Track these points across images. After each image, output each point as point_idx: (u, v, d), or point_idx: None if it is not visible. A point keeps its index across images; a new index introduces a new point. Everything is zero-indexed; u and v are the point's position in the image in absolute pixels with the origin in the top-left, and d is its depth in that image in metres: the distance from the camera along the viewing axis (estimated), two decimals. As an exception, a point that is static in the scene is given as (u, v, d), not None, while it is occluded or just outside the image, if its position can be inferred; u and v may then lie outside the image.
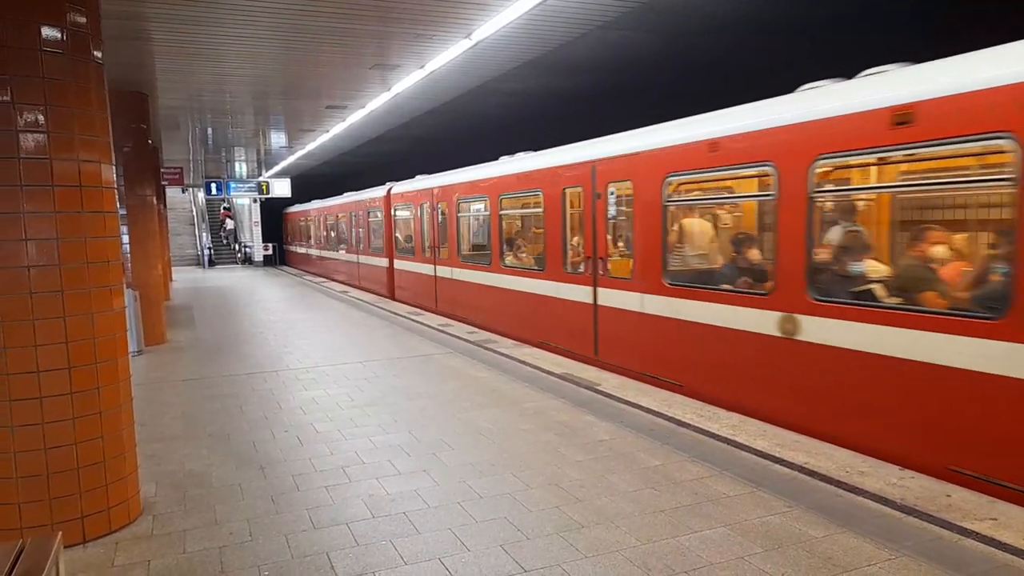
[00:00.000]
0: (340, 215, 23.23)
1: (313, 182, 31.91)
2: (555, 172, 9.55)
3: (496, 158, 11.46)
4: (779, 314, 5.95)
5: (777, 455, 5.04)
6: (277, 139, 18.11)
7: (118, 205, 4.28)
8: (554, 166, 9.61)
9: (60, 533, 3.10)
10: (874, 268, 5.75)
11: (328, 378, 8.02)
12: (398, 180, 17.13)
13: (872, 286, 5.56)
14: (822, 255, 5.81)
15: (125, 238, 10.71)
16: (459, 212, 13.18)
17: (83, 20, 3.90)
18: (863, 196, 6.41)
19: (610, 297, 8.43)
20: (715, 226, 7.99)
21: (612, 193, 8.34)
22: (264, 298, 18.03)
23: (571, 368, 8.17)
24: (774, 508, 4.19)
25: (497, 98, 13.15)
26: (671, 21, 8.59)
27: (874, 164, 5.74)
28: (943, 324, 4.66)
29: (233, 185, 22.79)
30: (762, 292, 6.20)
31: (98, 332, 4.00)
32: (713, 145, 6.65)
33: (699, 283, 7.11)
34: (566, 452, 5.29)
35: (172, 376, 8.48)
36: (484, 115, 15.20)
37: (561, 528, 3.99)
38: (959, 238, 5.78)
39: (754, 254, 6.94)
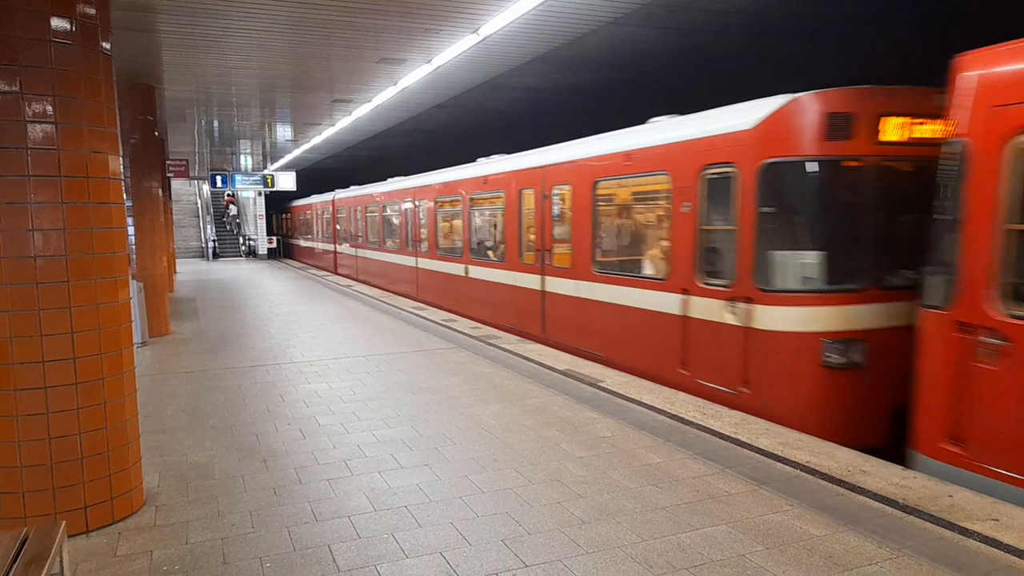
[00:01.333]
0: (308, 212, 30.44)
1: (318, 176, 31.92)
2: (402, 191, 16.77)
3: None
4: (463, 265, 12.98)
5: (779, 454, 5.04)
6: (283, 132, 18.12)
7: (124, 196, 4.29)
8: (403, 188, 16.74)
9: (64, 522, 3.12)
10: (491, 244, 12.37)
11: (331, 371, 8.04)
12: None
13: (488, 251, 12.31)
14: (475, 237, 12.82)
15: (131, 229, 10.74)
16: (367, 213, 20.38)
17: (92, 11, 3.90)
18: (484, 211, 12.76)
19: (422, 263, 15.53)
20: (461, 223, 13.66)
21: (423, 204, 15.34)
22: (267, 291, 18.07)
23: (574, 365, 8.18)
24: (776, 506, 4.20)
25: (506, 93, 13.13)
26: (680, 17, 8.56)
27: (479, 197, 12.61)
28: (498, 265, 11.47)
29: (238, 178, 22.81)
30: (460, 255, 13.17)
31: (103, 323, 4.02)
32: (419, 191, 15.58)
33: (445, 252, 14.08)
34: (568, 448, 5.30)
35: (176, 367, 8.51)
36: (493, 110, 15.18)
37: (562, 524, 4.00)
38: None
39: (459, 237, 13.46)
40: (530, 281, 10.30)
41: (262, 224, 34.79)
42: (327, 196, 25.82)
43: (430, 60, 9.58)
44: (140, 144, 11.08)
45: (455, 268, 13.34)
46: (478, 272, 12.28)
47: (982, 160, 4.47)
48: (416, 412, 6.32)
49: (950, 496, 4.25)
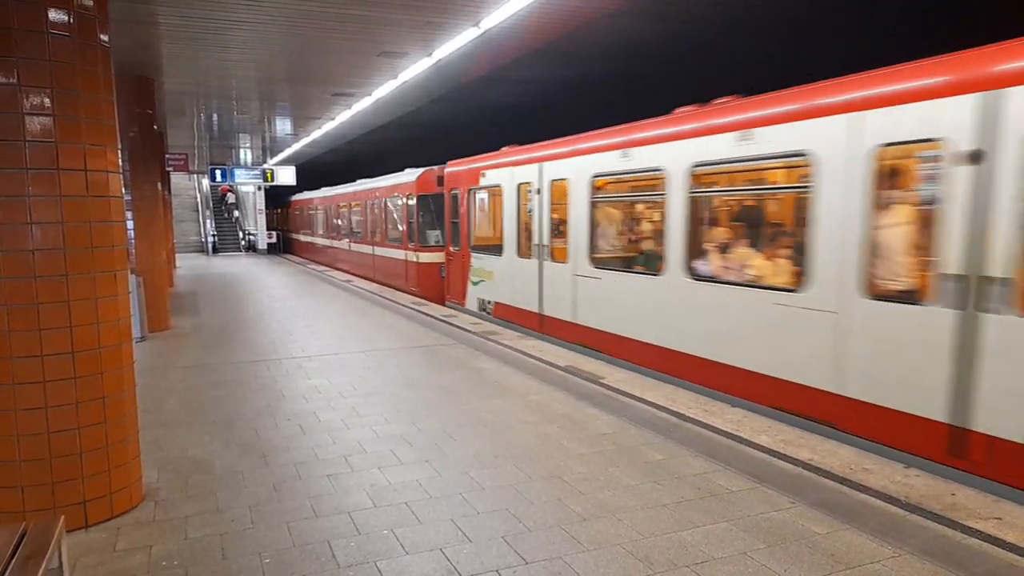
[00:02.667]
0: (280, 210, 39.23)
1: (318, 170, 31.86)
2: (324, 198, 26.74)
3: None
4: (348, 243, 22.87)
5: (781, 451, 5.03)
6: (282, 126, 18.06)
7: (123, 190, 4.26)
8: (325, 195, 26.55)
9: (63, 517, 3.10)
10: (359, 231, 21.74)
11: (331, 367, 8.02)
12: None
13: (358, 235, 21.78)
14: (353, 227, 22.56)
15: (130, 224, 10.70)
16: (308, 211, 30.39)
17: (90, 3, 3.86)
18: (355, 212, 22.36)
19: (333, 243, 25.51)
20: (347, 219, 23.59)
21: (333, 207, 25.28)
22: (267, 285, 18.04)
23: (574, 361, 8.16)
24: (777, 504, 4.18)
25: (506, 86, 13.11)
26: (677, 9, 8.51)
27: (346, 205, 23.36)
28: (360, 242, 21.45)
29: (238, 172, 22.73)
30: (347, 238, 23.13)
31: (102, 317, 3.99)
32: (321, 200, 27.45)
33: (343, 235, 23.75)
34: (569, 445, 5.28)
35: (176, 363, 8.49)
36: (494, 103, 15.16)
37: (563, 521, 3.99)
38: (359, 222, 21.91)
39: (348, 227, 23.14)
40: (369, 250, 20.29)
41: (262, 219, 34.74)
42: (292, 197, 35.10)
43: (431, 53, 9.53)
44: (139, 137, 11.05)
45: (345, 245, 23.33)
46: (355, 247, 22.03)
47: (448, 198, 13.46)
48: (416, 408, 6.30)
49: (952, 494, 4.24)
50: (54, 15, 3.69)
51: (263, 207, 34.58)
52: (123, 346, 4.18)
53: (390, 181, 17.75)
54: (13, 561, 2.67)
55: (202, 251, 34.01)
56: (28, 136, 3.67)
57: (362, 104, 13.89)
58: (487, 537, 3.80)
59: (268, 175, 22.62)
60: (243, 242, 36.17)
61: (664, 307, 7.44)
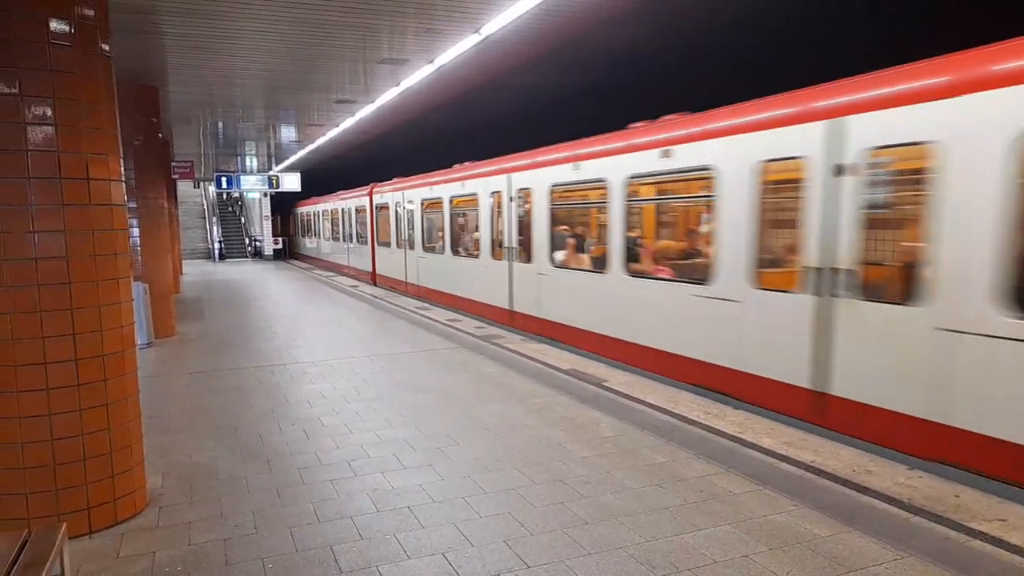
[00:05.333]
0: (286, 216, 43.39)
1: (322, 176, 31.99)
2: (312, 207, 32.70)
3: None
4: (329, 241, 29.63)
5: (784, 453, 5.01)
6: (287, 133, 18.13)
7: (126, 198, 4.29)
8: (313, 206, 32.83)
9: (64, 524, 3.11)
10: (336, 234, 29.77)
11: (335, 372, 8.04)
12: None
13: (326, 236, 31.47)
14: (333, 231, 29.34)
15: (135, 231, 10.75)
16: (304, 218, 36.01)
17: (91, 12, 3.90)
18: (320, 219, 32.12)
19: (313, 243, 34.18)
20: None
21: (319, 213, 31.60)
22: (272, 291, 18.10)
23: (577, 364, 8.16)
24: (780, 506, 4.17)
25: (508, 92, 13.10)
26: (681, 16, 8.52)
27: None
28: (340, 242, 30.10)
29: (244, 178, 22.84)
30: (329, 239, 30.13)
31: (105, 324, 4.02)
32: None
33: (323, 237, 31.66)
34: (571, 448, 5.28)
35: (181, 368, 8.53)
36: (496, 109, 15.15)
37: (565, 524, 3.98)
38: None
39: (327, 232, 30.59)
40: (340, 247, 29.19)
41: (268, 225, 35.08)
42: (292, 206, 40.19)
43: (432, 60, 9.56)
44: (144, 146, 11.09)
45: (324, 244, 31.22)
46: (328, 244, 30.05)
47: (297, 216, 37.55)
48: (419, 412, 6.31)
49: (956, 496, 4.22)
50: (55, 25, 3.72)
51: (269, 213, 34.83)
52: (126, 353, 4.20)
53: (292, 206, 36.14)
54: (14, 569, 2.68)
55: (209, 257, 34.16)
56: (30, 146, 3.69)
57: (365, 111, 13.94)
58: (489, 541, 3.80)
59: (274, 181, 22.74)
60: (249, 248, 36.37)
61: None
